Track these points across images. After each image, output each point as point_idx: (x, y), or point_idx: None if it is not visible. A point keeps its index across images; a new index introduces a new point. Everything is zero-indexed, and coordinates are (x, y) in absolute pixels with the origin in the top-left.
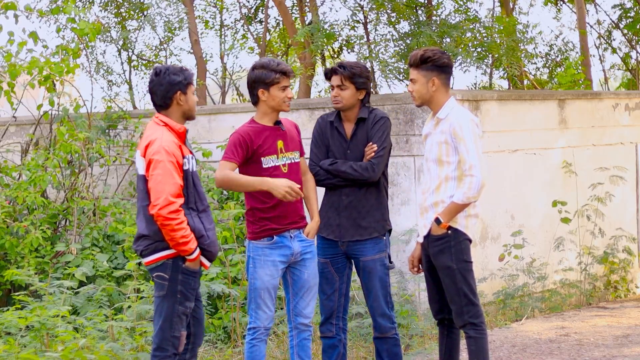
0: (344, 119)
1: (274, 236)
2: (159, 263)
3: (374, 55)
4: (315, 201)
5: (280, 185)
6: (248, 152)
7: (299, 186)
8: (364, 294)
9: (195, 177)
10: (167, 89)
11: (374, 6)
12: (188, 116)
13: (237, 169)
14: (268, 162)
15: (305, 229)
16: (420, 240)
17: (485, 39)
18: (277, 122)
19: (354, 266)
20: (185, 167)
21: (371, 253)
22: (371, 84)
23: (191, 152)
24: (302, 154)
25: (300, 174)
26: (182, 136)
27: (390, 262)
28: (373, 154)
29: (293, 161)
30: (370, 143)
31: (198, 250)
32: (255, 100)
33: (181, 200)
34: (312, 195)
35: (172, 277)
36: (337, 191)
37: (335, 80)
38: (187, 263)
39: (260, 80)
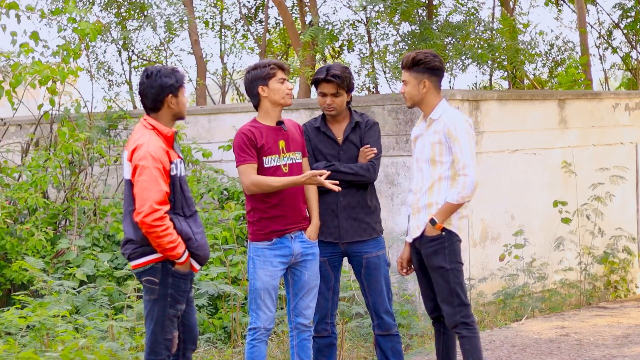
0: (331, 123)
1: (274, 238)
2: (148, 267)
3: (375, 55)
4: (316, 203)
5: (306, 175)
6: (256, 147)
7: (321, 172)
8: (367, 291)
9: (183, 183)
10: (158, 91)
11: (380, 9)
12: (178, 117)
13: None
14: (270, 161)
15: (306, 231)
16: (410, 240)
17: (489, 41)
18: (280, 122)
19: (347, 264)
20: (173, 173)
21: (374, 250)
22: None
23: (180, 156)
24: (304, 154)
25: None
26: (170, 140)
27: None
28: (373, 155)
29: (294, 161)
30: (368, 146)
31: (187, 253)
32: (256, 101)
33: (166, 207)
34: (313, 197)
35: (162, 281)
36: (332, 193)
37: (329, 88)
38: (177, 266)
39: (258, 78)
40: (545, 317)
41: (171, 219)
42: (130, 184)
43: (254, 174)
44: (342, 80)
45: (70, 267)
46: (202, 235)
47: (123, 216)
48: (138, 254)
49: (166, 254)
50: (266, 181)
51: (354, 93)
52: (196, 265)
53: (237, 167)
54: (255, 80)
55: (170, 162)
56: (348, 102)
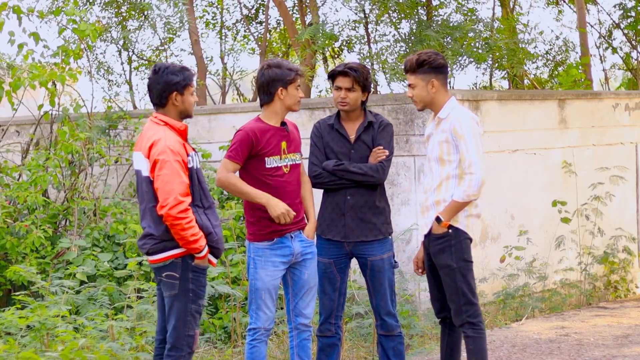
0: (345, 121)
1: (275, 238)
2: (168, 262)
3: (375, 55)
4: (312, 203)
5: (278, 207)
6: (252, 150)
7: (294, 214)
8: (370, 292)
9: (199, 174)
10: (164, 88)
11: (375, 8)
12: (185, 115)
13: (239, 169)
14: (271, 162)
15: (304, 230)
16: (422, 238)
17: (489, 40)
18: (283, 123)
19: (357, 265)
20: (190, 165)
21: (379, 252)
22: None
23: (194, 149)
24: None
25: (300, 176)
26: (183, 134)
27: (395, 261)
28: (384, 157)
29: (294, 162)
30: (380, 147)
31: (207, 248)
32: (269, 100)
33: (189, 199)
34: (309, 197)
35: (182, 276)
36: (340, 192)
37: (345, 82)
38: (196, 261)
39: (280, 79)
40: (545, 317)
41: (192, 213)
42: (148, 181)
43: (232, 171)
44: (358, 75)
45: (70, 267)
46: (219, 229)
47: (142, 214)
48: (158, 249)
49: (188, 247)
50: (236, 183)
51: None
52: (213, 260)
53: (224, 156)
54: (277, 81)
55: (187, 155)
56: (363, 102)
